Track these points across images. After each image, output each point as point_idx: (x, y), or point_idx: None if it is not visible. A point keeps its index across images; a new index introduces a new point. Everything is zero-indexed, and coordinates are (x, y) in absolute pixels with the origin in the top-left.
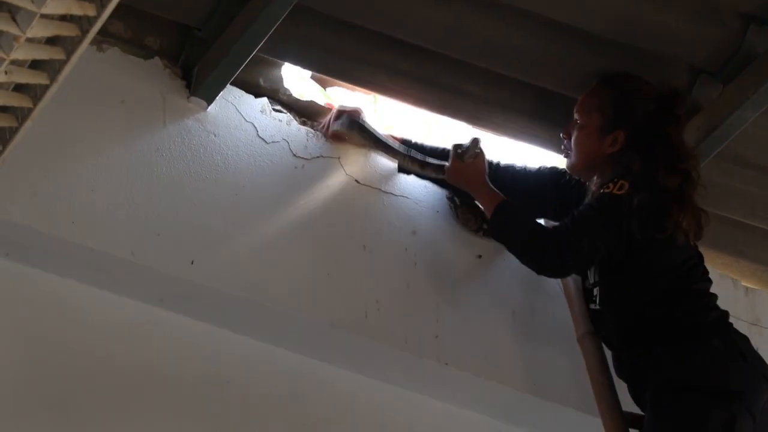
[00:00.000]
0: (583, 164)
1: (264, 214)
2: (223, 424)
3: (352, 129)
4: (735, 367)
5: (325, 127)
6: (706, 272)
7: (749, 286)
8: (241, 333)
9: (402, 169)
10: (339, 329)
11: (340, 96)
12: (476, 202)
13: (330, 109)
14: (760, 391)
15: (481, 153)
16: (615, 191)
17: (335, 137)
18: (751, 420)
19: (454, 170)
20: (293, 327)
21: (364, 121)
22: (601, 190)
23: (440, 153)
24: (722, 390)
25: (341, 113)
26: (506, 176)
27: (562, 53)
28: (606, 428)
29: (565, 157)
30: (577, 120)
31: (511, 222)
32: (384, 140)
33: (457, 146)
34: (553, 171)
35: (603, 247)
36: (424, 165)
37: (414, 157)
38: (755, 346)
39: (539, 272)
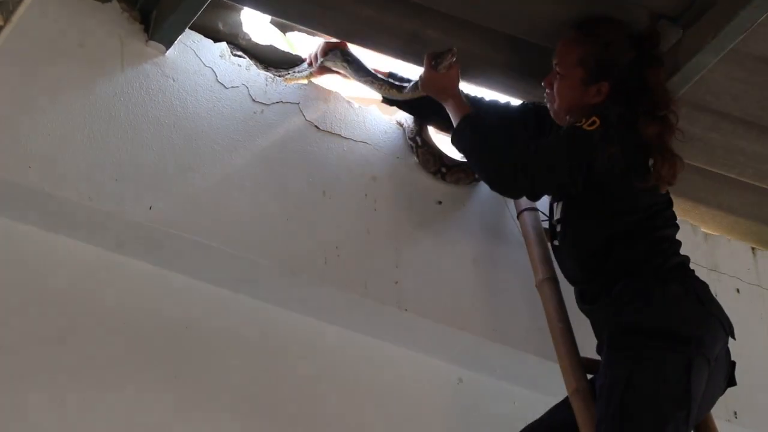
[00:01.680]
0: (566, 113)
1: (223, 160)
2: (182, 370)
3: (336, 59)
4: (693, 313)
5: (311, 61)
6: (673, 218)
7: (708, 232)
8: (199, 278)
9: (386, 100)
10: (298, 275)
11: (300, 41)
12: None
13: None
14: (716, 338)
15: (456, 64)
16: (585, 126)
17: (323, 71)
18: (707, 365)
19: (427, 79)
20: (252, 273)
21: (350, 52)
22: (575, 123)
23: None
24: (679, 334)
25: (329, 48)
26: (489, 110)
27: None
28: (564, 373)
29: (549, 105)
30: (557, 71)
31: (475, 133)
32: (366, 69)
33: (431, 55)
34: (537, 106)
35: (559, 176)
36: (401, 88)
37: (392, 83)
38: (714, 292)
39: (492, 187)
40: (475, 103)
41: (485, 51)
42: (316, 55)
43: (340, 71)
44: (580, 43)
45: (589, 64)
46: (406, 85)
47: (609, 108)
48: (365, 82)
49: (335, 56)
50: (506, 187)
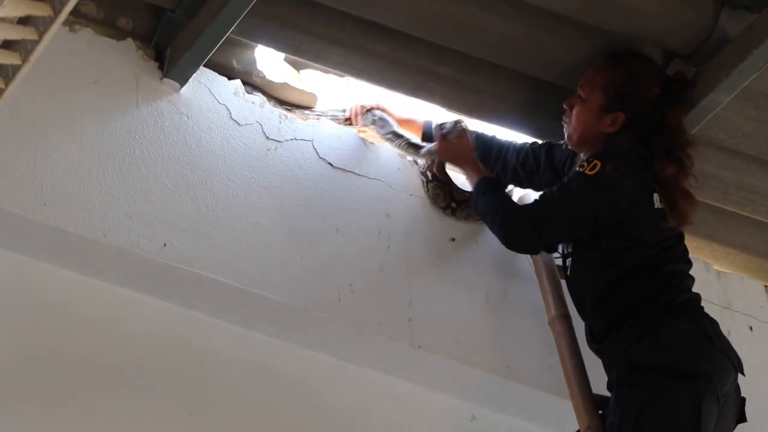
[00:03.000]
0: (579, 138)
1: (237, 197)
2: (196, 406)
3: (366, 120)
4: (701, 349)
5: (352, 122)
6: (685, 253)
7: (721, 269)
8: (213, 316)
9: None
10: (312, 312)
11: (314, 78)
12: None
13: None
14: (725, 374)
15: (465, 131)
16: (587, 171)
17: (363, 130)
18: (717, 402)
19: (441, 150)
20: (266, 310)
21: (380, 116)
22: (576, 168)
23: None
24: (687, 371)
25: (364, 111)
26: (502, 149)
27: (535, 37)
28: (576, 410)
29: (564, 127)
30: (580, 93)
31: (487, 196)
32: (390, 128)
33: (440, 126)
34: (551, 144)
35: (566, 227)
36: (419, 148)
37: (410, 141)
38: (726, 330)
39: (506, 246)
40: (490, 142)
41: (498, 89)
42: (356, 114)
43: (371, 128)
44: (607, 70)
45: (609, 92)
46: (424, 145)
47: (620, 139)
48: (388, 139)
49: (366, 119)
50: (520, 246)
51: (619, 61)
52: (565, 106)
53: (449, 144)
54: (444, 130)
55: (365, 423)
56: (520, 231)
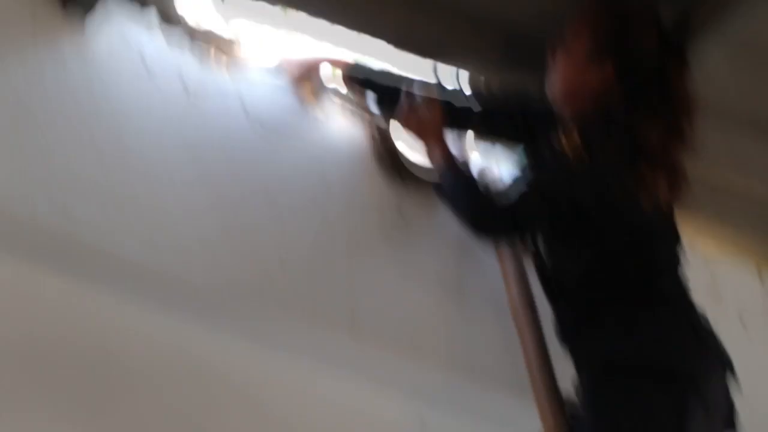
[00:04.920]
0: (562, 95)
1: (152, 158)
2: (102, 400)
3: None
4: (683, 347)
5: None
6: (673, 236)
7: (709, 249)
8: (122, 296)
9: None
10: (236, 293)
11: (245, 29)
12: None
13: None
14: (712, 374)
15: (438, 104)
16: (566, 149)
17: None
18: (701, 405)
19: (407, 120)
20: (182, 290)
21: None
22: (553, 143)
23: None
24: (668, 371)
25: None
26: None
27: None
28: (540, 410)
29: (545, 83)
30: (564, 42)
31: (454, 180)
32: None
33: (409, 94)
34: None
35: (540, 220)
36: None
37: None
38: (714, 318)
39: (475, 235)
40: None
41: (478, 41)
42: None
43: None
44: (596, 11)
45: (598, 35)
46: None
47: (608, 97)
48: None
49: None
50: (488, 236)
51: (610, 3)
52: (549, 57)
53: (418, 116)
54: (414, 100)
55: (296, 424)
56: (490, 220)
